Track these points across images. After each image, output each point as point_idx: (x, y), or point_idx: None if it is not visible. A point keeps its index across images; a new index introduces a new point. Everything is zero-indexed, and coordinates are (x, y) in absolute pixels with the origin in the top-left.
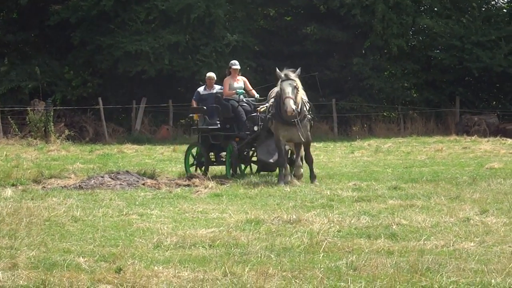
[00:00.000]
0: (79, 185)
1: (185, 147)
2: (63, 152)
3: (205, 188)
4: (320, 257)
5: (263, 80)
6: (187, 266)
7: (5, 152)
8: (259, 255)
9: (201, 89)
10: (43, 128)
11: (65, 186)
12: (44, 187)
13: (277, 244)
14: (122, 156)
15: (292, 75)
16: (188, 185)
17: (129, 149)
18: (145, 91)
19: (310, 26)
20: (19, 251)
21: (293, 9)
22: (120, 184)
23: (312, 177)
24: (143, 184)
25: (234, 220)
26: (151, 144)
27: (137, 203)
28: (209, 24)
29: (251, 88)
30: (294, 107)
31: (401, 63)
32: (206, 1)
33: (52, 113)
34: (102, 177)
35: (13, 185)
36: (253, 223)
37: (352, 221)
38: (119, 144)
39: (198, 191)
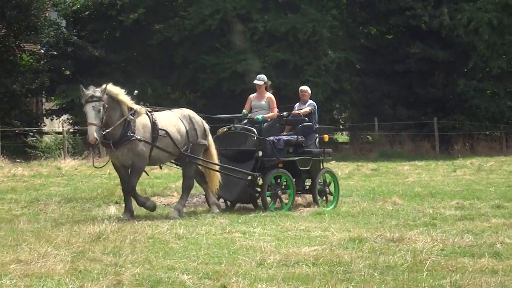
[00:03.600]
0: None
1: None
2: (165, 170)
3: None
4: (424, 276)
5: (364, 99)
6: (291, 284)
7: (108, 170)
8: (363, 273)
9: (296, 105)
10: None
11: (168, 204)
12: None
13: (380, 263)
14: None
15: (98, 94)
16: None
17: None
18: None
19: (412, 45)
20: (123, 268)
21: (394, 27)
22: (222, 202)
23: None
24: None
25: (337, 238)
26: None
27: (239, 221)
28: (314, 43)
29: (274, 107)
30: (96, 135)
31: (503, 82)
32: (313, 21)
33: None
34: (204, 195)
35: (116, 203)
36: (356, 241)
37: (456, 240)
38: None
39: (300, 209)
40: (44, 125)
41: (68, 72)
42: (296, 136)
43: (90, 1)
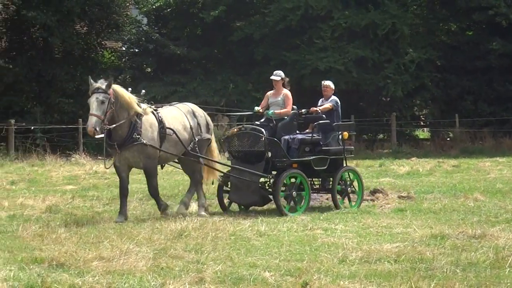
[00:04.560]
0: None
1: (368, 162)
2: None
3: (389, 203)
4: (506, 272)
5: (445, 95)
6: (373, 281)
7: None
8: (445, 270)
9: (319, 101)
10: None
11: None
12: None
13: (462, 259)
14: None
15: (104, 86)
16: (372, 200)
17: None
18: None
19: (493, 42)
20: (205, 266)
21: (475, 24)
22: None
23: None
24: (327, 199)
25: (419, 235)
26: None
27: (321, 217)
28: (394, 40)
29: (289, 104)
30: (95, 126)
31: None
32: (393, 18)
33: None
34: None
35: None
36: (438, 238)
37: None
38: None
39: (382, 206)
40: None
41: (149, 69)
42: (311, 135)
43: None
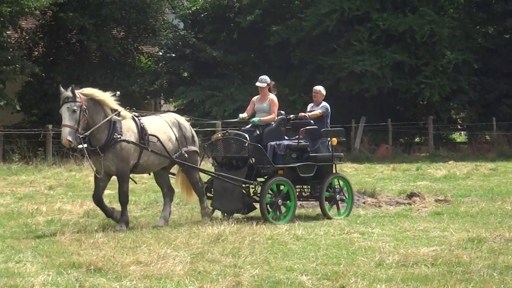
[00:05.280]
0: (300, 204)
1: (405, 166)
2: None
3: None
4: None
5: (482, 98)
6: (410, 285)
7: None
8: (482, 273)
9: (309, 106)
10: None
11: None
12: None
13: (499, 263)
14: None
15: (73, 94)
16: (409, 204)
17: (349, 167)
18: (365, 110)
19: None
20: (242, 269)
21: None
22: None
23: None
24: (364, 203)
25: (456, 238)
26: (370, 162)
27: (358, 221)
28: (432, 43)
29: (274, 110)
30: (69, 138)
31: None
32: (431, 23)
33: None
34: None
35: None
36: (475, 242)
37: None
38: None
39: (418, 210)
40: None
41: (186, 74)
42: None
43: (208, 3)
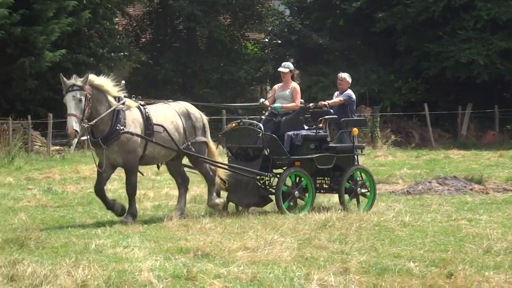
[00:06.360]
0: (407, 191)
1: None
2: (389, 157)
3: None
4: None
5: None
6: None
7: None
8: None
9: (335, 94)
10: (370, 134)
11: (393, 192)
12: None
13: None
14: (449, 162)
15: (79, 83)
16: None
17: (455, 154)
18: (471, 97)
19: None
20: (349, 256)
21: None
22: (448, 189)
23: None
24: (471, 190)
25: None
26: (477, 149)
27: (465, 208)
28: None
29: (297, 98)
30: (76, 127)
31: None
32: None
33: (378, 119)
34: (429, 182)
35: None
36: None
37: None
38: (445, 150)
39: None
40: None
41: (292, 60)
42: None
43: None
